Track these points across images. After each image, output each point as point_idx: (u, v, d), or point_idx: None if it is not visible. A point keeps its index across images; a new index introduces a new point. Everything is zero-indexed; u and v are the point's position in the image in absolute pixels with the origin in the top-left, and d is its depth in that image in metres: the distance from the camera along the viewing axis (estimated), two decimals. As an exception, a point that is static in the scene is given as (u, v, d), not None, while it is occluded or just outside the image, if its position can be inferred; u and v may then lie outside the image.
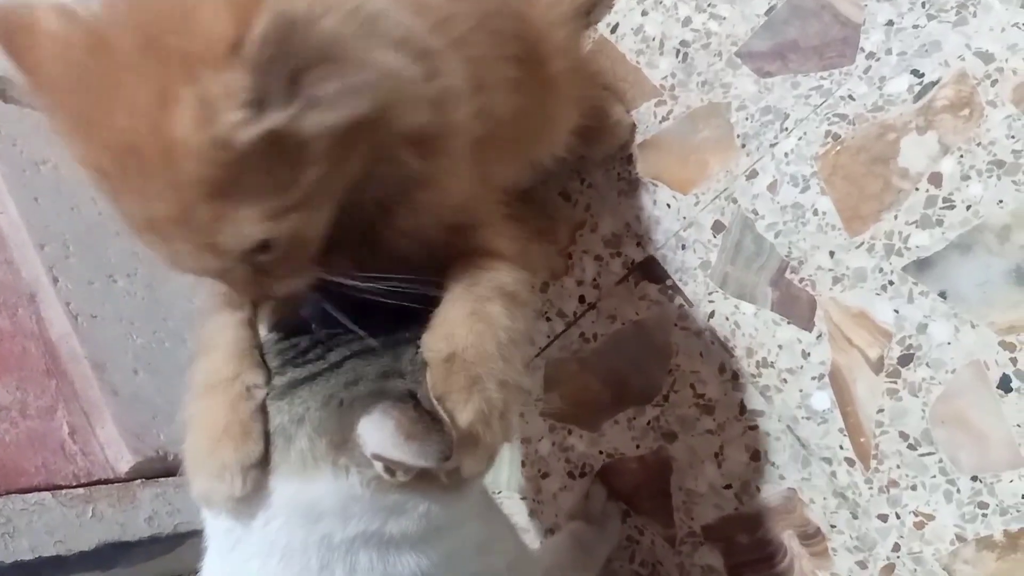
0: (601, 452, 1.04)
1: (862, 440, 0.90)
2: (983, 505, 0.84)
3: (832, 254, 0.92)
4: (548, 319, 1.08)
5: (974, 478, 0.84)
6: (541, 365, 1.08)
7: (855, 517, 0.90)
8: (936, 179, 0.88)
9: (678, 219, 1.02)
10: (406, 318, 0.56)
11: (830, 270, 0.92)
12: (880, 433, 0.89)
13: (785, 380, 0.94)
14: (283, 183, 0.47)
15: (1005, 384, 0.84)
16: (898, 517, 0.88)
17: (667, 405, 1.00)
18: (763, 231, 0.96)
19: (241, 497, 0.52)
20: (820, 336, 0.92)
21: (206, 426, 0.54)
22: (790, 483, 0.93)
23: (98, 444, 0.88)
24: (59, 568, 0.78)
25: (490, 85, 0.65)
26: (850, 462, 0.90)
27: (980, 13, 0.88)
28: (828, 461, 0.91)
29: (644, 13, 1.06)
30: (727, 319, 0.98)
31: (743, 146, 0.99)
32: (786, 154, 0.96)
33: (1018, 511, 0.82)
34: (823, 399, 0.92)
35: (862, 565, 0.89)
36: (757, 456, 0.95)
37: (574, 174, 1.08)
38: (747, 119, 0.99)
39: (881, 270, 0.90)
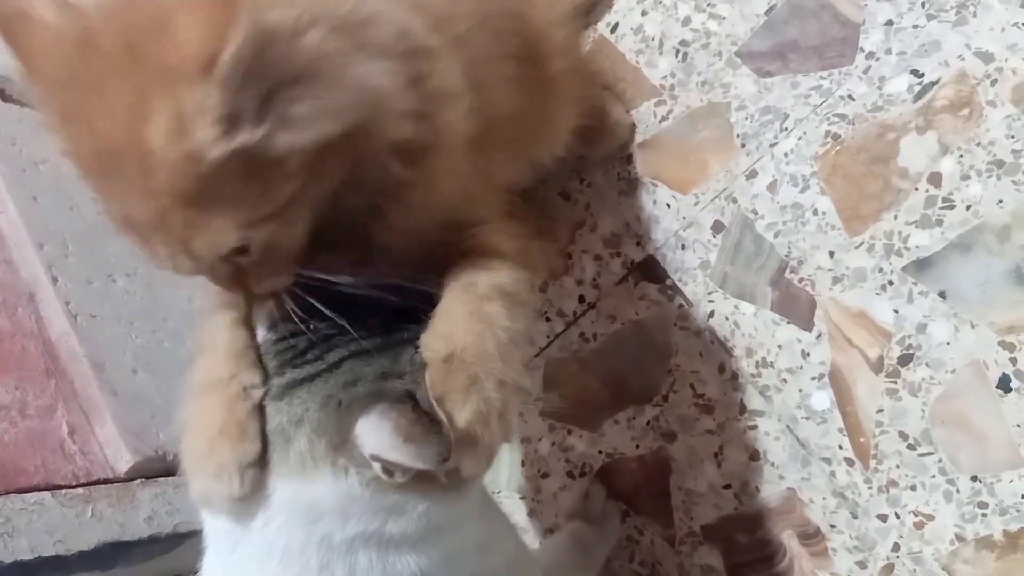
0: (601, 452, 1.04)
1: (862, 440, 0.90)
2: (983, 505, 0.84)
3: (832, 254, 0.92)
4: (548, 319, 1.08)
5: (974, 478, 0.84)
6: (541, 365, 1.08)
7: (855, 517, 0.90)
8: (936, 179, 0.88)
9: (678, 219, 1.02)
10: (405, 318, 0.56)
11: (830, 270, 0.92)
12: (880, 433, 0.89)
13: (785, 380, 0.94)
14: (257, 195, 0.47)
15: (1005, 384, 0.84)
16: (898, 517, 0.88)
17: (667, 405, 1.00)
18: (763, 231, 0.96)
19: (240, 497, 0.52)
20: (820, 336, 0.92)
21: (203, 427, 0.54)
22: (790, 483, 0.93)
23: (97, 444, 0.88)
24: (59, 568, 0.77)
25: (490, 84, 0.65)
26: (850, 462, 0.90)
27: (980, 13, 0.88)
28: (828, 461, 0.91)
29: (644, 13, 1.06)
30: (727, 319, 0.97)
31: (743, 146, 0.99)
32: (786, 154, 0.96)
33: (1018, 511, 0.82)
34: (823, 399, 0.92)
35: (862, 565, 0.89)
36: (757, 456, 0.95)
37: (574, 174, 1.08)
38: (747, 119, 0.99)
39: (881, 270, 0.90)
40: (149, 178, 0.45)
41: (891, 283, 0.89)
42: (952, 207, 0.87)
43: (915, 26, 0.91)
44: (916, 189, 0.89)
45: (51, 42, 0.48)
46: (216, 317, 0.60)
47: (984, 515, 0.84)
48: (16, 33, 0.48)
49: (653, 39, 1.05)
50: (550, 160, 0.95)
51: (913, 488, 0.87)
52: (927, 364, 0.87)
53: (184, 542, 0.86)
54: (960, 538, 0.85)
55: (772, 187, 0.96)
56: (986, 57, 0.87)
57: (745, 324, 0.96)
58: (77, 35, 0.47)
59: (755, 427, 0.95)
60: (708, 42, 1.02)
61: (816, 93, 0.95)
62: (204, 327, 0.59)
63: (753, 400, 0.95)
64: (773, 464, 0.94)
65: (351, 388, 0.52)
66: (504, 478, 1.09)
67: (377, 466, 0.50)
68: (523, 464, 1.08)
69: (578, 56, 1.03)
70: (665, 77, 1.04)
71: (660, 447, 1.00)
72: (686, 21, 1.04)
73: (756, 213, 0.97)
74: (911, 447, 0.87)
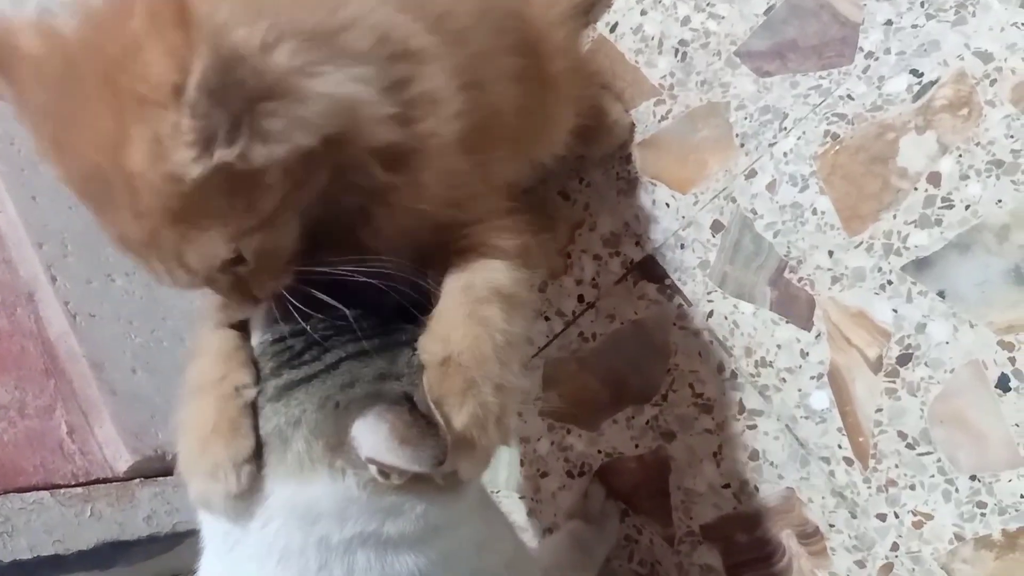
0: (600, 451, 1.04)
1: (861, 439, 0.90)
2: (982, 504, 0.84)
3: (831, 253, 0.92)
4: (547, 318, 1.08)
5: (973, 477, 0.84)
6: (540, 364, 1.08)
7: (854, 516, 0.90)
8: (935, 179, 0.88)
9: (677, 218, 1.02)
10: (402, 319, 0.56)
11: (829, 269, 0.92)
12: (879, 432, 0.89)
13: (784, 379, 0.94)
14: (243, 207, 0.48)
15: (1003, 384, 0.84)
16: (897, 516, 0.88)
17: (666, 404, 1.00)
18: (762, 230, 0.96)
19: (238, 494, 0.52)
20: (819, 336, 0.92)
21: (196, 428, 0.54)
22: (789, 482, 0.93)
23: (96, 443, 0.88)
24: (58, 567, 0.78)
25: (490, 80, 0.65)
26: (849, 461, 0.90)
27: (979, 13, 0.88)
28: (827, 460, 0.91)
29: (643, 12, 1.06)
30: (726, 318, 0.98)
31: (742, 145, 0.99)
32: (785, 154, 0.96)
33: (1016, 510, 0.82)
34: (822, 398, 0.92)
35: (861, 564, 0.89)
36: (756, 455, 0.95)
37: (573, 173, 1.08)
38: (746, 118, 0.99)
39: (880, 270, 0.90)
40: (136, 200, 0.47)
41: (890, 283, 0.89)
42: (951, 207, 0.87)
43: (914, 26, 0.91)
44: (915, 189, 0.89)
45: (37, 71, 0.49)
46: (209, 321, 0.60)
47: (983, 515, 0.84)
48: (5, 64, 0.50)
49: (652, 39, 1.05)
50: (549, 159, 0.95)
51: (912, 487, 0.87)
52: (926, 364, 0.87)
53: (183, 541, 0.87)
54: (959, 537, 0.85)
55: (771, 187, 0.96)
56: (985, 57, 0.87)
57: (744, 324, 0.96)
58: (59, 63, 0.48)
59: (754, 427, 0.95)
60: (707, 42, 1.02)
61: (815, 93, 0.95)
62: (198, 332, 0.60)
63: (752, 400, 0.95)
64: (772, 463, 0.94)
65: (348, 389, 0.52)
66: (503, 477, 1.09)
67: (373, 468, 0.50)
68: (522, 463, 1.08)
69: (577, 55, 1.03)
70: (664, 77, 1.04)
71: (659, 446, 1.00)
72: (685, 21, 1.04)
73: (755, 213, 0.97)
74: (910, 447, 0.87)
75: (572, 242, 1.08)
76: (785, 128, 0.96)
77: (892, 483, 0.88)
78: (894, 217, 0.90)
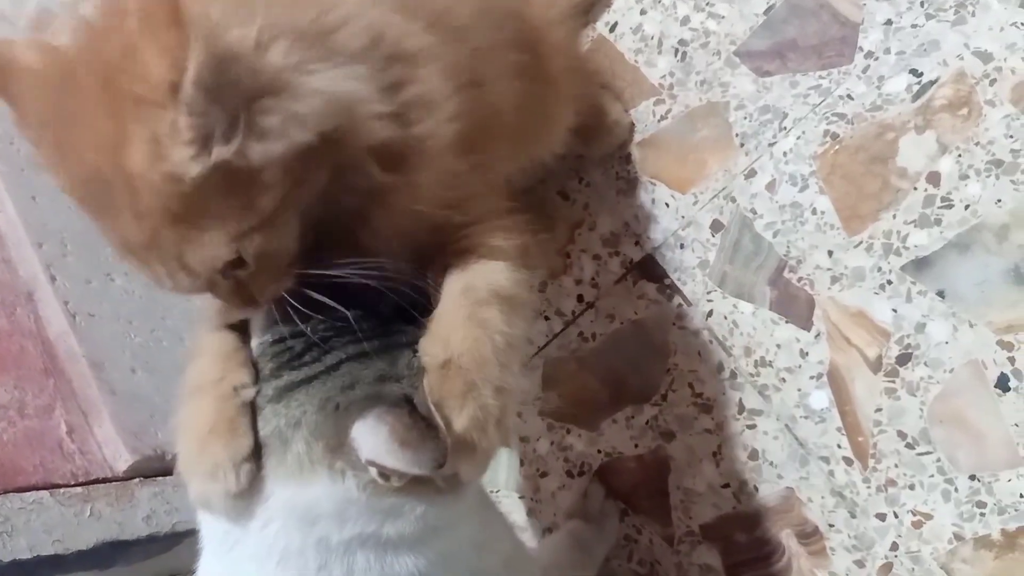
0: (599, 451, 1.04)
1: (860, 439, 0.90)
2: (981, 504, 0.84)
3: (831, 253, 0.92)
4: (546, 318, 1.08)
5: (972, 477, 0.84)
6: (539, 364, 1.08)
7: (853, 516, 0.90)
8: (934, 178, 0.88)
9: (676, 218, 1.02)
10: (402, 320, 0.56)
11: (828, 269, 0.92)
12: (878, 432, 0.89)
13: (783, 379, 0.94)
14: (243, 206, 0.48)
15: (1003, 383, 0.84)
16: (896, 516, 0.88)
17: (665, 404, 1.00)
18: (761, 230, 0.96)
19: (238, 493, 0.52)
20: (818, 335, 0.92)
21: (194, 429, 0.55)
22: (788, 482, 0.93)
23: (96, 443, 0.88)
24: (57, 567, 0.78)
25: (490, 78, 0.65)
26: (848, 461, 0.90)
27: (979, 12, 0.88)
28: (826, 460, 0.91)
29: (643, 12, 1.06)
30: (725, 318, 0.98)
31: (742, 145, 0.99)
32: (785, 153, 0.96)
33: (1016, 510, 0.83)
34: (821, 398, 0.92)
35: (860, 564, 0.89)
36: (755, 455, 0.95)
37: (572, 173, 1.08)
38: (746, 118, 0.99)
39: (879, 269, 0.90)
40: (137, 201, 0.47)
41: (890, 282, 0.89)
42: (951, 206, 0.87)
43: (914, 25, 0.91)
44: (915, 188, 0.89)
45: (36, 83, 0.50)
46: (208, 323, 0.60)
47: (982, 514, 0.84)
48: (5, 80, 0.51)
49: (652, 38, 1.05)
50: (549, 158, 0.95)
51: (911, 487, 0.87)
52: (925, 363, 0.87)
53: (182, 541, 0.87)
54: (958, 537, 0.85)
55: (771, 186, 0.96)
56: (985, 57, 0.87)
57: (744, 323, 0.96)
58: (58, 74, 0.49)
59: (754, 426, 0.95)
60: (707, 41, 1.02)
61: (815, 92, 0.95)
62: (197, 334, 0.60)
63: (751, 399, 0.95)
64: (771, 463, 0.94)
65: (349, 391, 0.52)
66: (503, 477, 1.09)
67: (373, 470, 0.50)
68: (522, 463, 1.08)
69: (576, 55, 1.03)
70: (664, 76, 1.04)
71: (659, 446, 1.00)
72: (685, 20, 1.04)
73: (755, 212, 0.97)
74: (909, 446, 0.87)
75: (571, 242, 1.08)
76: (785, 128, 0.96)
77: (891, 483, 0.88)
78: (894, 217, 0.90)
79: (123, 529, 0.83)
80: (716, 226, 0.99)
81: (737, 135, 0.99)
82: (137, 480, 0.88)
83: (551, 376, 1.07)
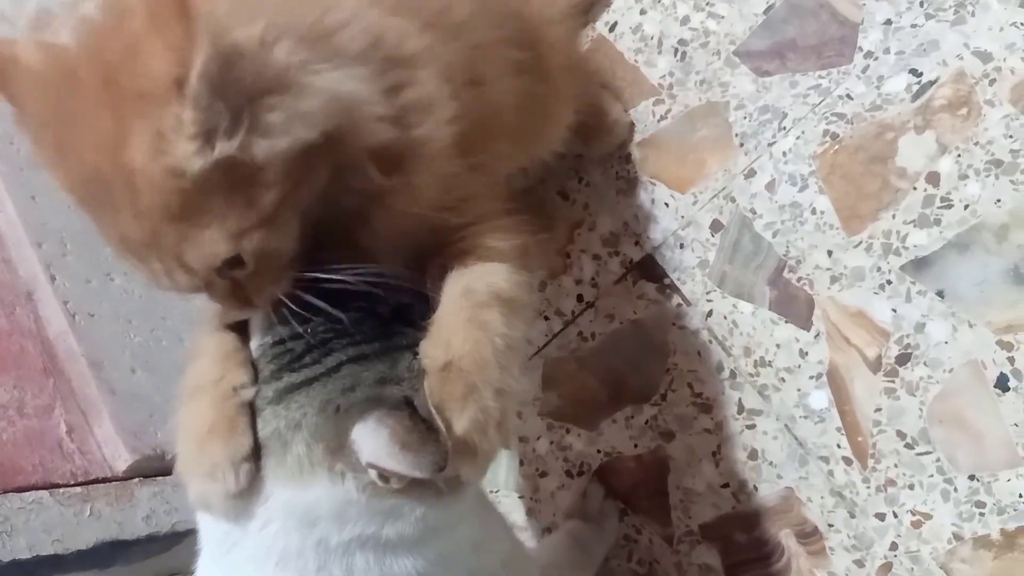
0: (599, 451, 1.04)
1: (860, 439, 0.90)
2: (980, 504, 0.84)
3: (830, 253, 0.92)
4: (546, 318, 1.08)
5: (971, 477, 0.85)
6: (539, 364, 1.08)
7: (852, 516, 0.90)
8: (934, 178, 0.88)
9: (676, 218, 1.02)
10: (402, 323, 0.56)
11: (828, 269, 0.92)
12: (878, 432, 0.89)
13: (783, 379, 0.94)
14: (243, 204, 0.48)
15: (1002, 383, 0.84)
16: (895, 516, 0.88)
17: (665, 404, 1.00)
18: (761, 230, 0.96)
19: (237, 493, 0.52)
20: (818, 335, 0.92)
21: (193, 428, 0.54)
22: (788, 482, 0.93)
23: (96, 443, 0.88)
24: (57, 567, 0.78)
25: (489, 75, 0.65)
26: (848, 461, 0.90)
27: (978, 12, 0.88)
28: (826, 460, 0.91)
29: (642, 12, 1.06)
30: (725, 318, 0.98)
31: (741, 145, 0.99)
32: (784, 153, 0.96)
33: (1015, 510, 0.83)
34: (821, 398, 0.92)
35: (859, 564, 0.89)
36: (755, 455, 0.95)
37: (572, 173, 1.08)
38: (745, 118, 0.99)
39: (879, 269, 0.90)
40: (137, 198, 0.47)
41: (889, 282, 0.89)
42: (950, 206, 0.87)
43: (914, 25, 0.91)
44: (914, 188, 0.89)
45: (37, 82, 0.50)
46: (207, 324, 0.60)
47: (982, 514, 0.84)
48: (5, 78, 0.51)
49: (652, 38, 1.05)
50: (549, 157, 0.95)
51: (911, 487, 0.87)
52: (925, 363, 0.87)
53: (182, 541, 0.87)
54: (958, 537, 0.85)
55: (770, 186, 0.96)
56: (984, 56, 0.87)
57: (743, 323, 0.96)
58: (60, 73, 0.49)
59: (753, 426, 0.95)
60: (707, 41, 1.02)
61: (814, 92, 0.95)
62: (196, 333, 0.60)
63: (751, 399, 0.96)
64: (771, 463, 0.94)
65: (349, 393, 0.52)
66: (502, 477, 1.09)
67: (373, 472, 0.50)
68: (521, 463, 1.08)
69: (576, 54, 1.03)
70: (664, 76, 1.04)
71: (658, 446, 1.01)
72: (685, 20, 1.04)
73: (754, 212, 0.97)
74: (909, 446, 0.87)
75: (571, 242, 1.08)
76: (784, 128, 0.96)
77: (891, 483, 0.88)
78: (893, 217, 0.90)
79: (123, 529, 0.83)
80: (716, 226, 0.99)
81: (737, 135, 0.99)
82: (137, 480, 0.88)
83: (551, 376, 1.07)
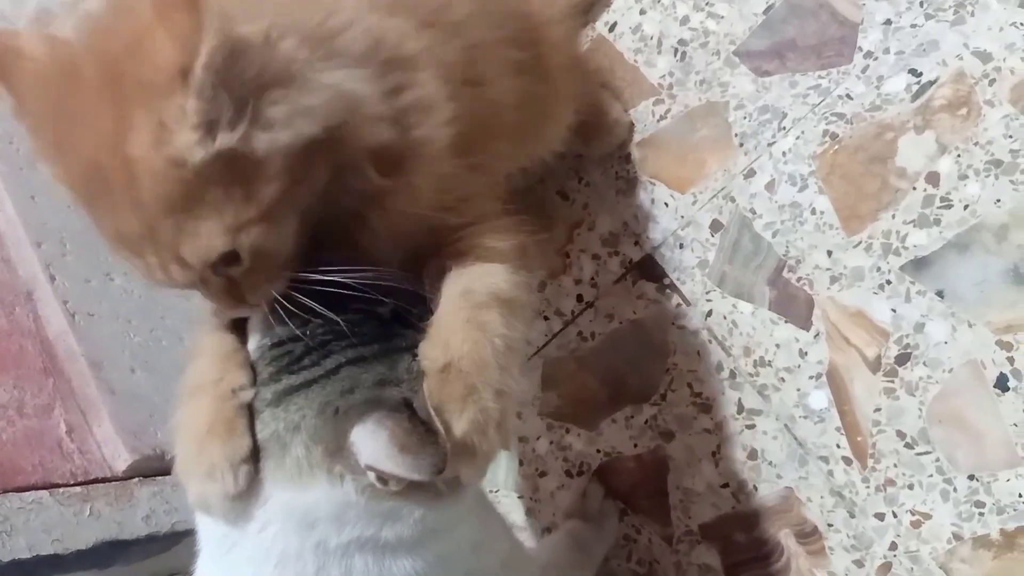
0: (599, 451, 1.04)
1: (859, 439, 0.90)
2: (980, 504, 0.84)
3: (830, 253, 0.92)
4: (546, 318, 1.08)
5: (971, 477, 0.85)
6: (539, 364, 1.08)
7: (852, 516, 0.90)
8: (934, 178, 0.88)
9: (676, 218, 1.02)
10: (400, 324, 0.56)
11: (828, 269, 0.92)
12: (877, 432, 0.89)
13: (783, 379, 0.94)
14: (242, 198, 0.48)
15: (1002, 383, 0.84)
16: (895, 516, 0.88)
17: (664, 404, 1.00)
18: (761, 230, 0.96)
19: (236, 494, 0.52)
20: (817, 335, 0.92)
21: (192, 429, 0.54)
22: (787, 482, 0.93)
23: (95, 442, 0.88)
24: (56, 566, 0.78)
25: (489, 73, 0.65)
26: (847, 461, 0.90)
27: (978, 12, 0.88)
28: (825, 460, 0.91)
29: (642, 12, 1.06)
30: (725, 318, 0.98)
31: (741, 145, 0.99)
32: (784, 153, 0.96)
33: (1015, 510, 0.83)
34: (820, 398, 0.92)
35: (859, 564, 0.89)
36: (754, 455, 0.95)
37: (572, 173, 1.08)
38: (745, 118, 0.99)
39: (879, 269, 0.90)
40: (136, 189, 0.47)
41: (889, 282, 0.89)
42: (950, 206, 0.87)
43: (913, 25, 0.91)
44: (914, 188, 0.89)
45: (39, 75, 0.50)
46: (207, 324, 0.60)
47: (981, 514, 0.84)
48: (6, 70, 0.51)
49: (651, 38, 1.05)
50: (549, 156, 0.95)
51: (910, 487, 0.87)
52: (924, 363, 0.87)
53: (181, 541, 0.87)
54: (957, 537, 0.85)
55: (770, 186, 0.96)
56: (984, 56, 0.87)
57: (743, 323, 0.96)
58: (62, 65, 0.49)
59: (753, 426, 0.95)
60: (706, 41, 1.02)
61: (814, 92, 0.95)
62: (196, 335, 0.60)
63: (751, 399, 0.96)
64: (771, 463, 0.94)
65: (348, 395, 0.52)
66: (502, 477, 1.09)
67: (372, 474, 0.50)
68: (521, 463, 1.08)
69: (576, 54, 1.03)
70: (663, 76, 1.04)
71: (658, 446, 1.01)
72: (684, 20, 1.04)
73: (754, 212, 0.97)
74: (908, 446, 0.87)
75: (571, 241, 1.08)
76: (784, 128, 0.96)
77: (890, 482, 0.88)
78: (893, 217, 0.90)
79: (122, 529, 0.83)
80: (715, 226, 0.99)
81: (736, 135, 0.99)
82: (136, 480, 0.88)
83: (550, 376, 1.07)
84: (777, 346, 0.94)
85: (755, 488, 0.95)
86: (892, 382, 0.88)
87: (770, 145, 0.97)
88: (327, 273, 0.53)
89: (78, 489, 0.83)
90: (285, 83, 0.47)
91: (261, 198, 0.49)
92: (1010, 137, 0.85)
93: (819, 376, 0.92)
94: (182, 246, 0.49)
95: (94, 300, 0.93)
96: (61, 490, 0.81)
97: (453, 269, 0.58)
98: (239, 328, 0.59)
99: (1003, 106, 0.86)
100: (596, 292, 1.06)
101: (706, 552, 0.98)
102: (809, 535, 0.92)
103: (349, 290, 0.53)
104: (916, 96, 0.90)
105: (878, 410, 0.89)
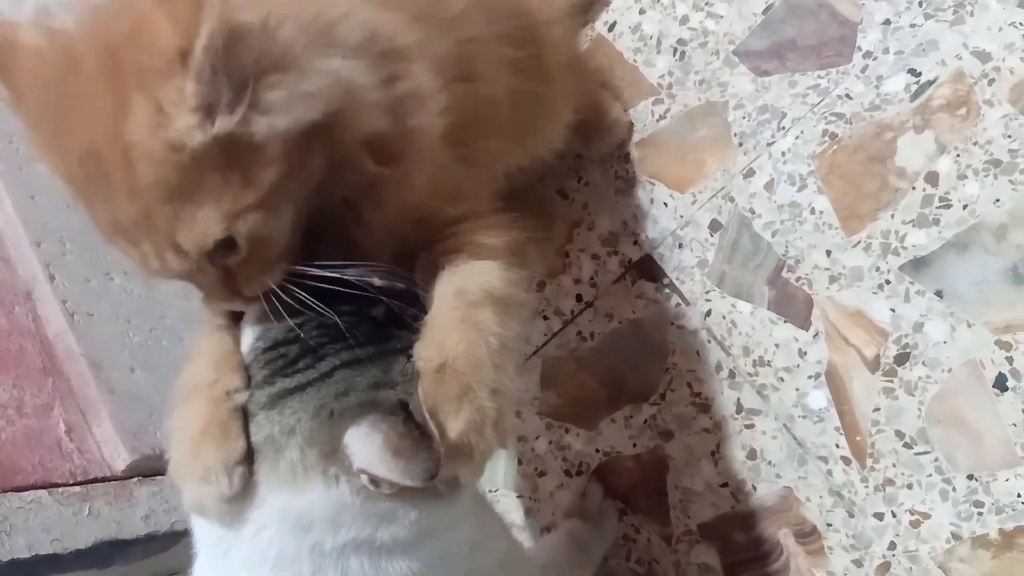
0: (598, 450, 1.04)
1: (858, 439, 0.90)
2: (979, 504, 0.84)
3: (829, 253, 0.92)
4: (545, 317, 1.08)
5: (970, 477, 0.85)
6: (538, 363, 1.08)
7: (851, 515, 0.90)
8: (933, 178, 0.88)
9: (675, 218, 1.02)
10: (395, 326, 0.56)
11: (827, 269, 0.92)
12: (876, 432, 0.89)
13: (782, 379, 0.94)
14: (240, 184, 0.48)
15: (1001, 383, 0.84)
16: (894, 515, 0.88)
17: (664, 404, 1.00)
18: (760, 230, 0.96)
19: (231, 496, 0.52)
20: (817, 335, 0.92)
21: (186, 432, 0.54)
22: (786, 481, 0.93)
23: (95, 442, 0.88)
24: (56, 566, 0.78)
25: (483, 69, 0.65)
26: (846, 461, 0.90)
27: (977, 12, 0.88)
28: (824, 460, 0.91)
29: (642, 11, 1.06)
30: (724, 318, 0.98)
31: (740, 145, 0.99)
32: (783, 153, 0.96)
33: (1013, 510, 0.83)
34: (819, 398, 0.92)
35: (858, 563, 0.90)
36: (753, 455, 0.95)
37: (571, 172, 1.08)
38: (744, 118, 0.99)
39: (878, 269, 0.90)
40: (133, 175, 0.47)
41: (888, 282, 0.89)
42: (949, 206, 0.87)
43: (913, 25, 0.91)
44: (913, 188, 0.89)
45: (37, 66, 0.50)
46: (203, 327, 0.60)
47: (980, 514, 0.84)
48: (4, 62, 0.51)
49: (651, 38, 1.05)
50: (549, 156, 0.95)
51: (909, 487, 0.87)
52: (924, 363, 0.87)
53: (181, 540, 0.86)
54: (956, 536, 0.85)
55: (769, 186, 0.96)
56: (983, 56, 0.87)
57: (742, 323, 0.96)
58: (60, 55, 0.49)
59: (752, 426, 0.95)
60: (706, 41, 1.02)
61: (813, 92, 0.95)
62: (195, 333, 0.60)
63: (750, 399, 0.96)
64: (770, 463, 0.94)
65: (343, 398, 0.52)
66: (501, 476, 1.09)
67: (364, 478, 0.50)
68: (520, 463, 1.08)
69: (575, 53, 1.03)
70: (663, 76, 1.04)
71: (657, 446, 1.01)
72: (684, 20, 1.04)
73: (753, 212, 0.97)
74: (907, 446, 0.87)
75: (570, 241, 1.08)
76: (783, 127, 0.96)
77: (889, 482, 0.88)
78: (892, 216, 0.90)
79: (122, 528, 0.83)
80: (715, 226, 0.99)
81: (736, 135, 0.99)
82: (136, 479, 0.88)
83: (550, 375, 1.07)
84: (776, 346, 0.94)
85: (754, 488, 0.95)
86: (891, 382, 0.88)
87: (769, 145, 0.97)
88: (322, 268, 0.53)
89: (77, 489, 0.83)
90: (284, 68, 0.47)
91: (259, 184, 0.49)
92: (1009, 137, 0.85)
93: (818, 376, 0.92)
94: (179, 232, 0.49)
95: (93, 300, 0.93)
96: (60, 490, 0.81)
97: (446, 267, 0.57)
98: (238, 328, 0.59)
99: (1002, 106, 0.86)
100: (595, 292, 1.06)
101: (705, 552, 0.98)
102: (808, 535, 0.92)
103: (343, 287, 0.53)
104: (915, 96, 0.90)
105: (877, 410, 0.89)
